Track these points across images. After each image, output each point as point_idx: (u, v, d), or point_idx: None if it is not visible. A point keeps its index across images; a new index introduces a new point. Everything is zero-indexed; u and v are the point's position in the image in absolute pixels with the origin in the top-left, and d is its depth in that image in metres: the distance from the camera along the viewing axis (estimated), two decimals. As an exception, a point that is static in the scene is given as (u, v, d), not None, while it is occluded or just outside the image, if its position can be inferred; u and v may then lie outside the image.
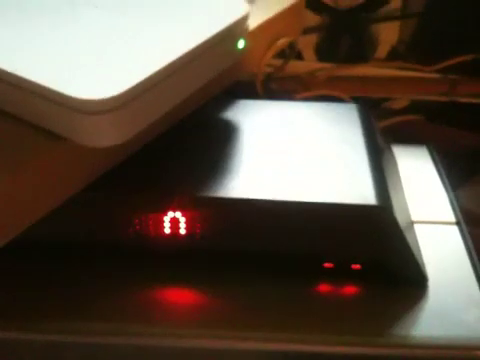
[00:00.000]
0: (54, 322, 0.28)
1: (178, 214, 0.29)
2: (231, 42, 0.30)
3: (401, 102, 0.53)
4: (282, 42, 0.38)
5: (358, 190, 0.29)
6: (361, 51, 0.55)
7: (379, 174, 0.31)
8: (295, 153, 0.32)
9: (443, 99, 0.51)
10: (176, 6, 0.30)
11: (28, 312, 0.29)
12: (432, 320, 0.29)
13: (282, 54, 0.44)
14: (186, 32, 0.28)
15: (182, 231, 0.30)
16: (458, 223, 0.34)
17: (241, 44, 0.31)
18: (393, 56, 0.55)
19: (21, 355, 0.29)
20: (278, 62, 0.45)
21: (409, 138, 0.44)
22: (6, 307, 0.29)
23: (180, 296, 0.30)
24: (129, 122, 0.26)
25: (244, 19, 0.30)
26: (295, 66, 0.49)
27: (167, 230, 0.30)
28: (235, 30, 0.30)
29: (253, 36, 0.33)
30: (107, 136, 0.26)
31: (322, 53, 0.54)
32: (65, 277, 0.31)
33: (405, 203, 0.34)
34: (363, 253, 0.30)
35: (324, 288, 0.30)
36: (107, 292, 0.30)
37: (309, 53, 0.54)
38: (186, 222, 0.30)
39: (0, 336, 0.28)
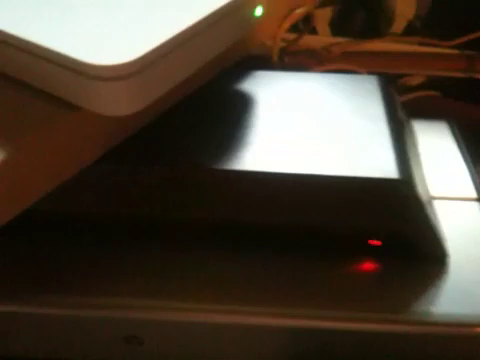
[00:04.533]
0: (52, 295, 0.28)
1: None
2: (249, 9, 0.29)
3: (418, 78, 0.52)
4: (299, 12, 0.36)
5: (379, 164, 0.28)
6: (377, 26, 0.54)
7: (400, 148, 0.30)
8: (313, 126, 0.31)
9: (461, 75, 0.50)
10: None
11: (28, 285, 0.28)
12: (452, 297, 0.28)
13: (296, 28, 0.43)
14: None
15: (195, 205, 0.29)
16: (478, 199, 0.34)
17: (259, 11, 0.30)
18: (409, 31, 0.53)
19: (19, 329, 0.28)
20: (292, 36, 0.44)
21: (426, 114, 0.43)
22: (7, 279, 0.28)
23: (190, 271, 0.29)
24: (144, 90, 0.25)
25: (262, -15, 0.29)
26: (309, 40, 0.48)
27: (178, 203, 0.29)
28: (253, -3, 0.29)
29: (271, 3, 0.32)
30: (122, 104, 0.25)
31: (337, 27, 0.53)
32: (77, 253, 0.30)
33: (424, 179, 0.34)
34: (383, 228, 0.29)
35: (341, 264, 0.29)
36: (112, 266, 0.29)
37: (323, 27, 0.53)
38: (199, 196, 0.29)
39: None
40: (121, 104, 0.25)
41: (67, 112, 0.25)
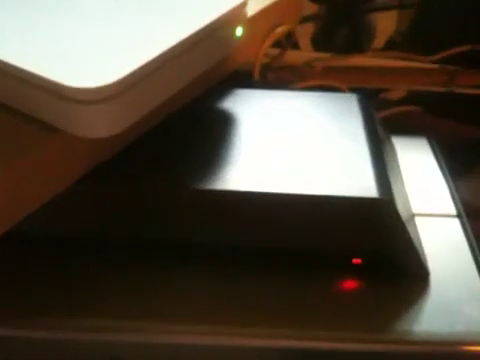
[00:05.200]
0: (50, 319, 0.27)
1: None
2: (229, 29, 0.29)
3: (398, 93, 0.53)
4: (280, 30, 0.37)
5: (359, 183, 0.28)
6: (358, 41, 0.54)
7: (380, 166, 0.30)
8: (294, 145, 0.31)
9: (441, 90, 0.50)
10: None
11: (22, 308, 0.28)
12: (434, 315, 0.28)
13: (279, 43, 0.43)
14: (183, 19, 0.27)
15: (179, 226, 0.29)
16: (459, 216, 0.34)
17: (239, 31, 0.30)
18: (391, 46, 0.54)
19: (17, 352, 0.28)
20: (275, 51, 0.44)
21: (407, 129, 0.43)
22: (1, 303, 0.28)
23: (181, 293, 0.29)
24: (124, 112, 0.25)
25: (242, 6, 0.29)
26: (291, 56, 0.48)
27: (167, 225, 0.29)
28: (233, 17, 0.29)
29: (251, 23, 0.32)
30: (102, 127, 0.25)
31: (319, 43, 0.53)
32: (61, 273, 0.30)
33: (406, 196, 0.34)
34: (364, 247, 0.29)
35: (323, 283, 0.29)
36: (104, 289, 0.29)
37: (306, 43, 0.53)
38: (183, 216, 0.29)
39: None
40: (101, 126, 0.25)
41: (48, 134, 0.25)
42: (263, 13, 0.34)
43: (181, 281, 0.29)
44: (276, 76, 0.47)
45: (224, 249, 0.30)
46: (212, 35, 0.28)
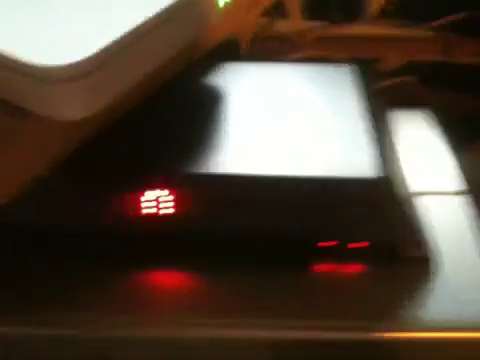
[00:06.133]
0: (50, 315, 0.26)
1: (165, 193, 0.27)
2: (211, -1, 0.27)
3: (394, 63, 0.50)
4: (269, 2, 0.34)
5: (356, 162, 0.27)
6: (351, 9, 0.52)
7: (378, 144, 0.28)
8: (287, 122, 0.29)
9: (438, 59, 0.48)
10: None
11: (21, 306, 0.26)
12: (438, 300, 0.27)
13: (267, 13, 0.41)
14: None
15: (170, 211, 0.27)
16: (461, 193, 0.32)
17: (221, 1, 0.28)
18: (385, 14, 0.52)
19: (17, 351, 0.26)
20: (262, 21, 0.42)
21: (403, 101, 0.41)
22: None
23: (170, 282, 0.27)
24: (98, 92, 0.23)
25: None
26: (281, 25, 0.46)
27: (153, 210, 0.27)
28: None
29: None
30: (74, 108, 0.23)
31: (309, 11, 0.51)
32: (60, 269, 0.28)
33: (405, 174, 0.32)
34: (363, 230, 0.27)
35: (322, 269, 0.28)
36: (92, 280, 0.27)
37: (295, 11, 0.51)
38: (174, 200, 0.27)
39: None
40: (73, 108, 0.23)
41: (18, 119, 0.24)
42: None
43: (176, 271, 0.28)
44: (265, 48, 0.45)
45: (216, 235, 0.28)
46: (191, 6, 0.25)
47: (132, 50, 0.23)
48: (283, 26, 0.47)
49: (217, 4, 0.28)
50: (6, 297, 0.26)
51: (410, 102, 0.41)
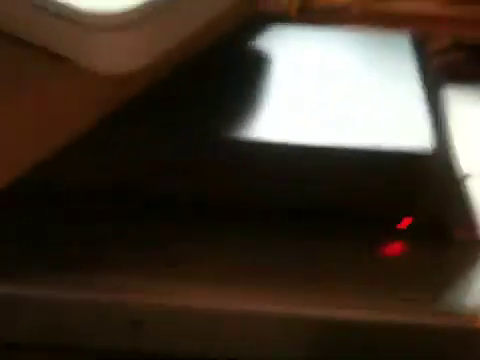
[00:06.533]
0: (52, 276, 0.25)
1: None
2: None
3: (443, 41, 0.48)
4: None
5: (411, 134, 0.25)
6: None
7: (434, 118, 0.27)
8: (340, 91, 0.28)
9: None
10: None
11: (28, 266, 0.25)
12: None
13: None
14: None
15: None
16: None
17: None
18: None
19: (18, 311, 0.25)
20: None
21: (454, 79, 0.40)
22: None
23: (210, 253, 0.26)
24: (144, 45, 0.23)
25: None
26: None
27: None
28: None
29: None
30: (119, 61, 0.22)
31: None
32: (78, 230, 0.27)
33: (457, 153, 0.30)
34: (413, 207, 0.26)
35: (367, 246, 0.26)
36: (109, 246, 0.26)
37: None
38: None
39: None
40: (118, 60, 0.22)
41: (59, 69, 0.23)
42: None
43: (207, 241, 0.26)
44: (310, 20, 0.44)
45: (255, 206, 0.27)
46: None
47: (179, 6, 0.23)
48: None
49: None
50: (38, 260, 0.26)
51: (458, 80, 0.40)
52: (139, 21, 0.21)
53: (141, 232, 0.27)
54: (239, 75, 0.29)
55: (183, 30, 0.24)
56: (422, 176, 0.25)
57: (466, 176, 0.30)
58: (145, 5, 0.21)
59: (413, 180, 0.25)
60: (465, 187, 0.28)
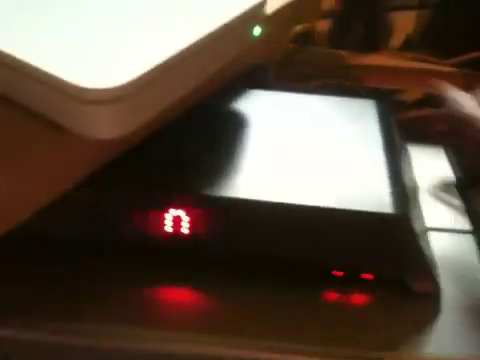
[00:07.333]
0: (49, 322, 0.27)
1: (181, 213, 0.28)
2: (246, 29, 0.28)
3: (414, 94, 0.51)
4: (299, 29, 0.35)
5: (374, 197, 0.27)
6: (375, 39, 0.53)
7: (397, 179, 0.29)
8: (309, 152, 0.30)
9: (458, 94, 0.49)
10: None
11: (22, 311, 0.27)
12: (444, 336, 0.27)
13: (296, 40, 0.42)
14: (198, 18, 0.26)
15: (185, 231, 0.28)
16: (473, 231, 0.33)
17: (257, 31, 0.29)
18: (408, 46, 0.52)
19: (15, 354, 0.27)
20: (291, 47, 0.43)
21: (422, 134, 0.42)
22: (3, 304, 0.27)
23: (181, 299, 0.28)
24: (133, 114, 0.24)
25: (261, 5, 0.28)
26: (307, 52, 0.47)
27: (169, 229, 0.28)
28: (251, 17, 0.28)
29: (269, 22, 0.30)
30: (109, 128, 0.24)
31: (335, 39, 0.52)
32: (62, 276, 0.29)
33: (420, 209, 0.33)
34: (376, 262, 0.28)
35: (332, 297, 0.28)
36: (105, 292, 0.28)
37: (322, 38, 0.52)
38: (189, 221, 0.28)
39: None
40: (108, 128, 0.24)
41: (53, 134, 0.24)
42: (283, 11, 0.33)
43: (188, 289, 0.29)
44: (290, 71, 0.46)
45: (230, 257, 0.29)
46: (227, 35, 0.26)
47: (169, 75, 0.24)
48: (308, 52, 0.48)
49: (252, 34, 0.29)
50: (17, 304, 0.27)
51: (428, 135, 0.42)
52: (130, 93, 0.23)
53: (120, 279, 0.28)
54: (217, 135, 0.31)
55: (175, 94, 0.26)
56: (383, 234, 0.27)
57: (427, 230, 0.32)
58: (136, 79, 0.22)
59: (377, 237, 0.27)
60: (426, 242, 0.30)
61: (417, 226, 0.28)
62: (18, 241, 0.26)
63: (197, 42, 0.25)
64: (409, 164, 0.35)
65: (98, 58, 0.23)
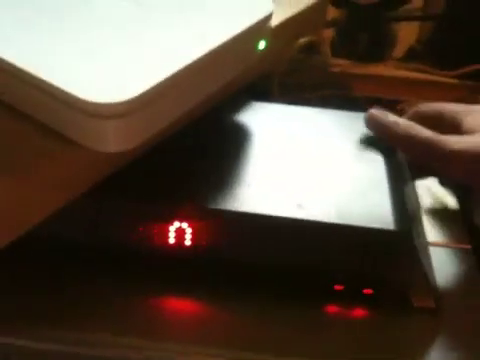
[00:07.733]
0: (49, 330, 0.27)
1: (184, 225, 0.28)
2: (251, 44, 0.28)
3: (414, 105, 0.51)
4: (303, 41, 0.35)
5: (376, 212, 0.27)
6: (378, 49, 0.53)
7: (399, 195, 0.29)
8: (312, 167, 0.30)
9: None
10: (196, 7, 0.28)
11: (23, 319, 0.27)
12: (445, 351, 0.27)
13: (300, 50, 0.42)
14: (204, 34, 0.26)
15: (187, 242, 0.28)
16: (474, 247, 0.33)
17: (262, 45, 0.29)
18: (410, 56, 0.53)
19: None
20: (296, 57, 0.43)
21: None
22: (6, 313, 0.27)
23: (181, 310, 0.28)
24: (141, 127, 0.24)
25: (266, 20, 0.28)
26: (311, 62, 0.47)
27: (172, 240, 0.28)
28: (256, 31, 0.28)
29: (274, 35, 0.30)
30: (116, 142, 0.24)
31: (339, 49, 0.52)
32: (65, 285, 0.29)
33: (422, 224, 0.33)
34: (376, 277, 0.28)
35: (332, 310, 0.28)
36: (107, 302, 0.28)
37: (325, 48, 0.52)
38: (192, 233, 0.28)
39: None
40: (114, 141, 0.24)
41: (60, 145, 0.25)
42: (287, 24, 0.33)
43: (188, 300, 0.29)
44: (295, 80, 0.46)
45: (231, 269, 0.29)
46: (233, 50, 0.27)
47: (175, 90, 0.24)
48: (312, 61, 0.48)
49: (257, 48, 0.29)
50: (20, 313, 0.27)
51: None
52: (137, 108, 0.23)
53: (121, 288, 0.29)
54: (220, 148, 0.31)
55: (180, 109, 0.26)
56: (385, 250, 0.27)
57: (428, 245, 0.32)
58: (144, 94, 0.23)
59: (377, 253, 0.27)
60: (427, 257, 0.31)
61: (418, 242, 0.28)
62: (22, 250, 0.26)
63: (203, 57, 0.25)
64: (411, 179, 0.35)
65: (106, 73, 0.24)
